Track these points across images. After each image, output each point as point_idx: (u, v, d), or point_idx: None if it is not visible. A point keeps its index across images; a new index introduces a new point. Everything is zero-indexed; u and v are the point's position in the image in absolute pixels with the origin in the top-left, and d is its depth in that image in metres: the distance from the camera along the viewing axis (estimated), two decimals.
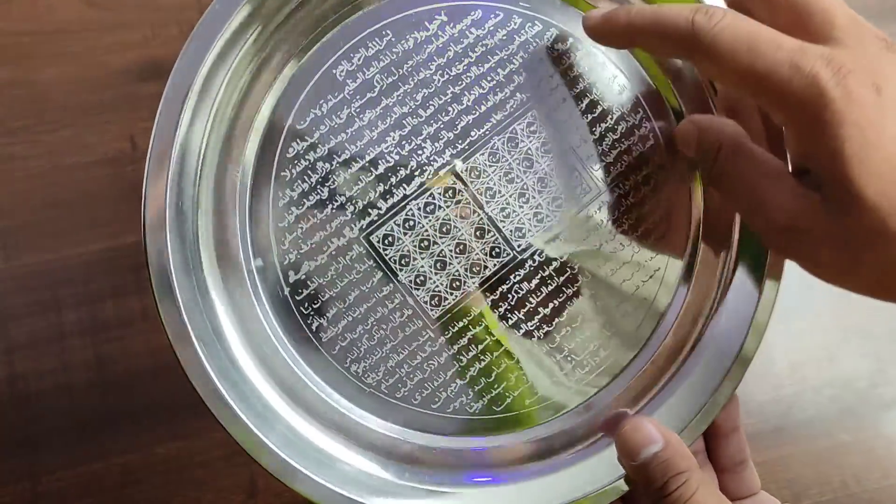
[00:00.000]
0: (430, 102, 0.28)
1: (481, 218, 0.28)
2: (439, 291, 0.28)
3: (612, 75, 0.28)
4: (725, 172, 0.26)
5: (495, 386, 0.28)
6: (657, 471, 0.25)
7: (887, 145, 0.21)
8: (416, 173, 0.28)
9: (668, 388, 0.28)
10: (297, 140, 0.27)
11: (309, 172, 0.27)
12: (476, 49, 0.28)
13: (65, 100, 0.37)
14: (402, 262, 0.28)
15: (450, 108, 0.28)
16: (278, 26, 0.27)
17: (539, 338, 0.28)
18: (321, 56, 0.28)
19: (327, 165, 0.27)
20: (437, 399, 0.28)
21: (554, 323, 0.28)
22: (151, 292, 0.25)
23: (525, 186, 0.28)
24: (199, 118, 0.26)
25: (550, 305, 0.28)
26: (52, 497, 0.36)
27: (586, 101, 0.28)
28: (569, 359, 0.28)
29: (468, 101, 0.28)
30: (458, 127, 0.28)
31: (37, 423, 0.36)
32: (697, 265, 0.29)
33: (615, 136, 0.28)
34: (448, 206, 0.28)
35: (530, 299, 0.28)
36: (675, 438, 0.25)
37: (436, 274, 0.28)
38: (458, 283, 0.28)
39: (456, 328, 0.28)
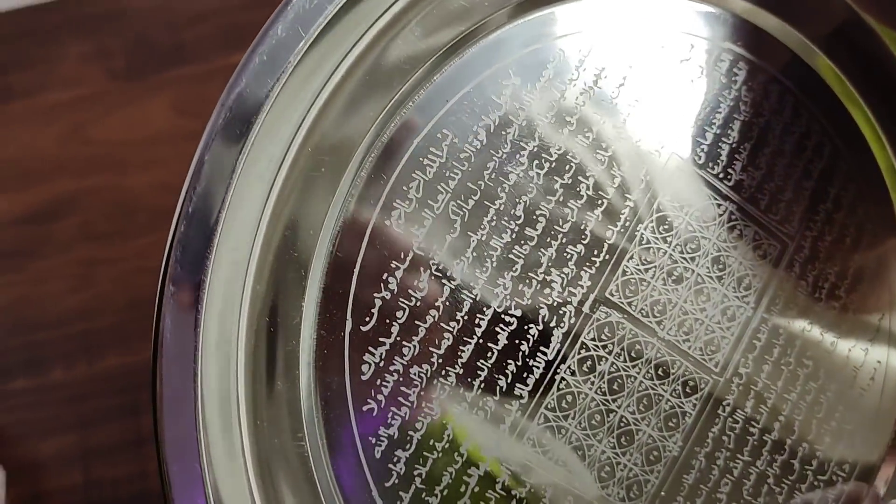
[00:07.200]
0: (538, 212, 0.19)
1: (658, 349, 0.20)
2: (637, 476, 0.20)
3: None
4: None
5: None
6: None
7: None
8: (554, 323, 0.19)
9: None
10: (371, 349, 0.18)
11: (402, 389, 0.19)
12: (575, 110, 0.19)
13: (153, 205, 0.38)
14: (577, 454, 0.20)
15: (567, 208, 0.19)
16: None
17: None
18: (362, 212, 0.19)
19: (425, 369, 0.19)
20: None
21: (786, 448, 0.21)
22: None
23: (700, 278, 0.20)
24: None
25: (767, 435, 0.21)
26: None
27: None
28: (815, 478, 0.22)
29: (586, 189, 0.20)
30: (587, 231, 0.19)
31: None
32: None
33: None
34: (610, 351, 0.20)
35: (750, 430, 0.21)
36: None
37: (624, 454, 0.20)
38: (656, 454, 0.20)
39: None
